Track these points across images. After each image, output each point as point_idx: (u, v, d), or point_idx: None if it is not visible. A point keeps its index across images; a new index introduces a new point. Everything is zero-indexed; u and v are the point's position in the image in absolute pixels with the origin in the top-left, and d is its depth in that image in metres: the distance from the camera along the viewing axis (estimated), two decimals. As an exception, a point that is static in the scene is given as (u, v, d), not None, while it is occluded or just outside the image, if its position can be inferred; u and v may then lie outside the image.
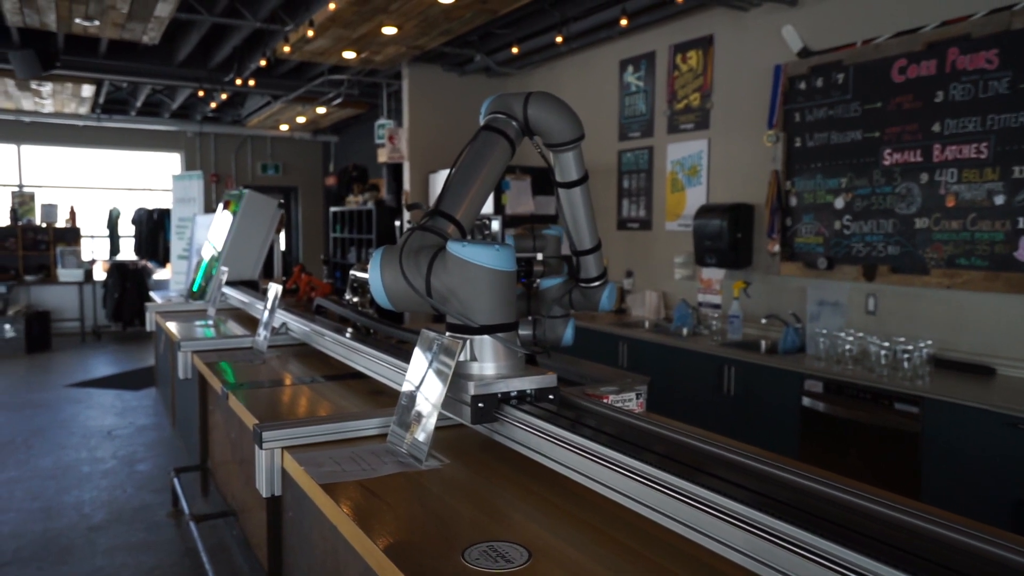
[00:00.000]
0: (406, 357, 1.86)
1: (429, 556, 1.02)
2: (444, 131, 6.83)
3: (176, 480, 3.55)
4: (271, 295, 2.59)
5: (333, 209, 9.55)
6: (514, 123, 1.56)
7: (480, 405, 1.34)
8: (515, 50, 5.74)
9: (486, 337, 1.38)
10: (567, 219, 1.68)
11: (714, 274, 4.71)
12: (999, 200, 3.30)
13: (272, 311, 2.53)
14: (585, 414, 1.37)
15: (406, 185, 6.81)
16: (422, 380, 1.48)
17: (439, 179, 6.57)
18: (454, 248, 1.34)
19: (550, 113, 1.55)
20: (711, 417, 3.95)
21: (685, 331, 4.54)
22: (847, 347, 3.57)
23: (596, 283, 1.75)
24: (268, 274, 4.46)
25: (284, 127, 10.57)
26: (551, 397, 1.41)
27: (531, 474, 1.34)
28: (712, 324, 4.59)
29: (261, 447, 1.48)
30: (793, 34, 4.21)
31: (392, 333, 2.33)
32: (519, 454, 1.35)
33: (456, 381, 1.36)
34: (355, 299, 2.69)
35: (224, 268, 3.39)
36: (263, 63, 5.95)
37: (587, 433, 1.18)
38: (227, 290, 3.74)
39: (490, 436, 1.41)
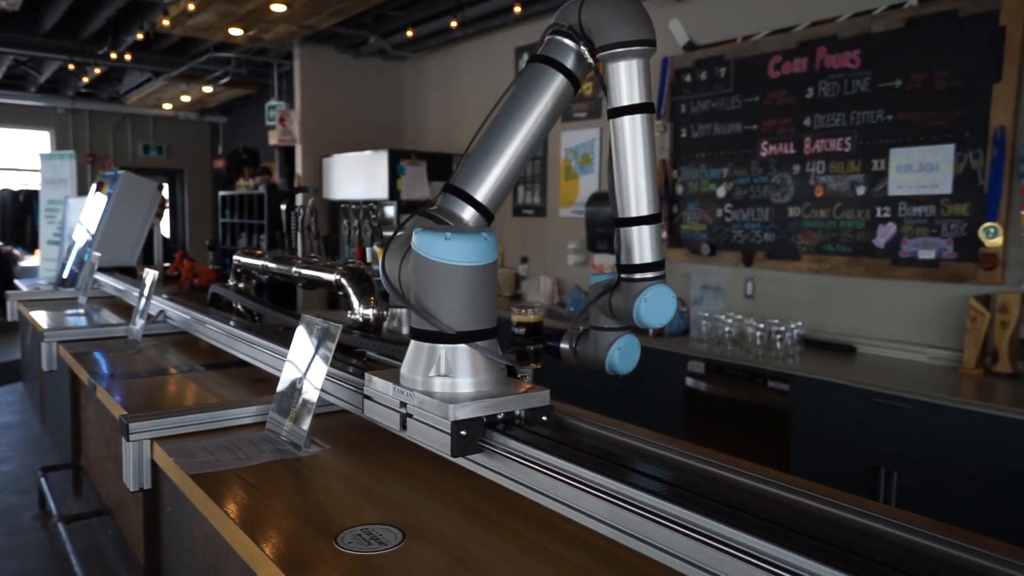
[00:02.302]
0: (281, 343, 1.82)
1: (302, 543, 1.01)
2: (338, 114, 6.68)
3: (43, 479, 3.33)
4: (147, 281, 2.47)
5: (222, 193, 9.15)
6: (573, 44, 1.18)
7: (463, 433, 1.06)
8: (410, 33, 5.67)
9: (462, 347, 1.12)
10: (617, 168, 1.17)
11: (605, 260, 4.84)
12: (861, 191, 3.55)
13: (148, 298, 2.42)
14: (591, 439, 1.18)
15: (299, 169, 6.62)
16: (302, 366, 1.45)
17: (333, 164, 6.42)
18: (413, 237, 1.13)
19: (605, 7, 1.14)
20: (600, 398, 4.07)
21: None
22: (727, 329, 3.75)
23: (649, 275, 1.17)
24: (148, 260, 4.24)
25: (167, 106, 10.02)
26: (544, 419, 1.15)
27: (411, 456, 1.34)
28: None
29: (128, 439, 1.41)
30: (679, 28, 4.36)
31: (284, 320, 2.26)
32: (404, 439, 1.35)
33: (423, 402, 1.11)
34: (240, 285, 2.61)
35: (97, 254, 3.20)
36: (140, 37, 5.61)
37: (593, 464, 0.96)
38: (101, 277, 3.53)
39: (470, 468, 1.14)
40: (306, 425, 1.37)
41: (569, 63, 1.18)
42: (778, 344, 3.50)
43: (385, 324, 2.46)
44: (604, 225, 4.62)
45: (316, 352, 1.43)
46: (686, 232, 4.38)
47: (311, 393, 1.40)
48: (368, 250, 2.15)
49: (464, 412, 1.07)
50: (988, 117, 3.11)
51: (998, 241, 3.06)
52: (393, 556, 0.97)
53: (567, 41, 1.18)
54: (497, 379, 1.16)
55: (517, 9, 4.72)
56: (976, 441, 2.62)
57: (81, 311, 3.19)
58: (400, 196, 5.69)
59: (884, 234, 3.46)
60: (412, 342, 1.16)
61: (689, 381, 3.65)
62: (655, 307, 1.16)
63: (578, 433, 1.20)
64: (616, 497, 0.89)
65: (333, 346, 1.39)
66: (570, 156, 5.20)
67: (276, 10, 5.11)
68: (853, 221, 3.58)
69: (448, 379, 1.12)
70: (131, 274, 3.80)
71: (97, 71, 7.49)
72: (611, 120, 1.17)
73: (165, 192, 10.58)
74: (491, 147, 1.19)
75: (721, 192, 4.18)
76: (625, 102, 1.15)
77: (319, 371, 1.40)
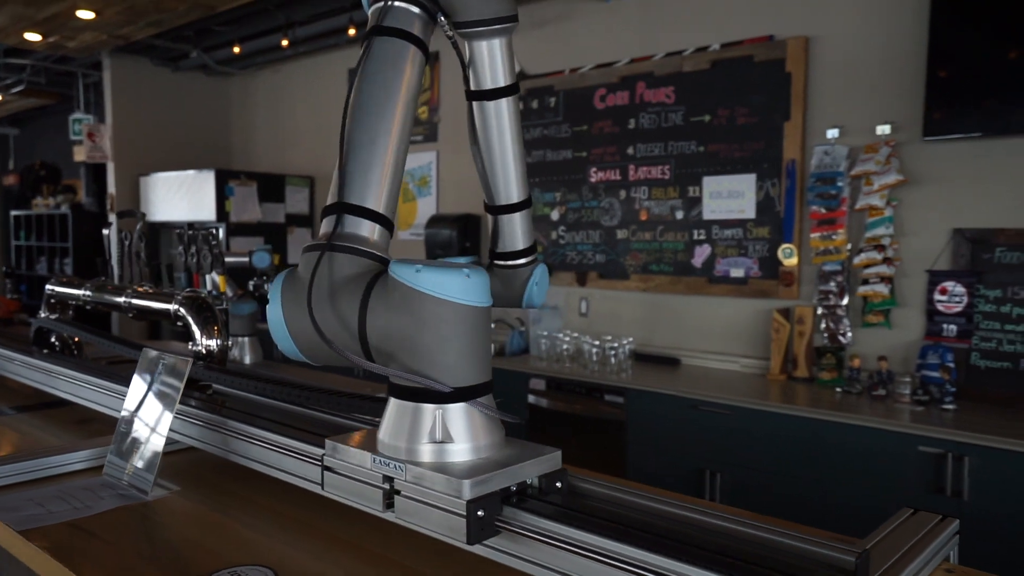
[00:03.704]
0: (121, 379, 1.69)
1: (162, 591, 0.95)
2: (156, 130, 6.25)
3: None
4: (-63, 316, 2.18)
5: (15, 213, 8.23)
6: (415, 8, 1.02)
7: (480, 513, 0.87)
8: (237, 50, 5.44)
9: (460, 406, 0.93)
10: (482, 155, 1.13)
11: (446, 282, 4.89)
12: (679, 215, 3.88)
13: (-60, 335, 2.13)
14: (609, 505, 1.01)
15: (111, 188, 6.10)
16: (145, 403, 1.36)
17: (152, 183, 5.99)
18: (405, 274, 0.90)
19: None
20: (446, 420, 4.10)
21: (420, 338, 4.65)
22: (565, 347, 3.94)
23: (522, 261, 1.17)
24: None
25: (-56, 114, 8.85)
26: (559, 485, 0.98)
27: (274, 495, 1.30)
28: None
29: (-66, 497, 1.25)
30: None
31: (129, 354, 2.06)
32: (259, 474, 1.30)
33: (420, 476, 0.91)
34: (53, 316, 2.37)
35: None
36: (-86, 37, 4.94)
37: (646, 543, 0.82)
38: None
39: (481, 555, 0.95)
40: (153, 467, 1.29)
41: (416, 31, 1.01)
42: (612, 359, 3.72)
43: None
44: (443, 247, 4.68)
45: (163, 388, 1.35)
46: (523, 254, 4.54)
47: (152, 433, 1.31)
48: (208, 278, 2.04)
49: (481, 487, 0.87)
50: (781, 151, 3.53)
51: (793, 260, 3.47)
52: (267, 596, 0.94)
53: (413, 8, 1.01)
54: (498, 442, 0.97)
55: (351, 32, 4.69)
56: (782, 439, 2.94)
57: None
58: (229, 218, 5.42)
59: (701, 255, 3.80)
60: (393, 402, 0.96)
61: (531, 398, 3.78)
62: (543, 288, 1.20)
63: (593, 499, 1.03)
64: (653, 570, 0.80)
65: (183, 381, 1.32)
66: (408, 179, 5.23)
67: (83, 17, 4.70)
68: (674, 243, 3.90)
69: (444, 446, 0.92)
70: (-92, 307, 3.32)
71: None
72: (472, 102, 1.09)
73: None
74: (369, 145, 0.99)
75: (555, 215, 4.39)
76: (488, 86, 1.08)
77: (167, 409, 1.32)
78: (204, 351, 1.85)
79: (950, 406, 2.83)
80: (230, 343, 2.29)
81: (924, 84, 3.07)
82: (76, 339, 2.38)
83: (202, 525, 1.19)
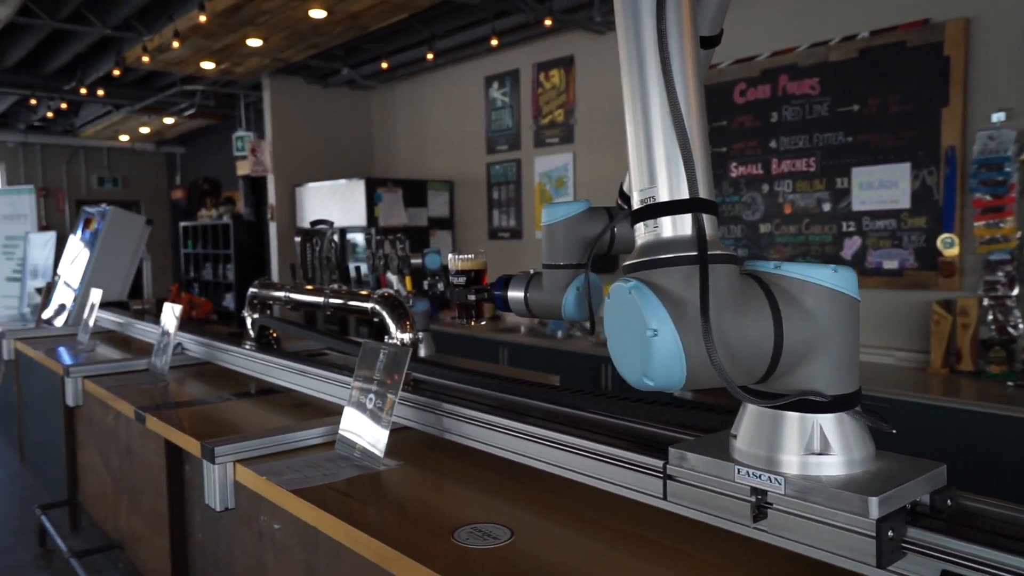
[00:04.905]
0: (331, 369, 1.93)
1: (423, 540, 1.13)
2: (308, 144, 6.76)
3: (44, 517, 3.31)
4: (169, 315, 2.54)
5: (183, 224, 9.10)
6: None
7: (891, 534, 0.80)
8: (384, 65, 5.81)
9: (837, 415, 0.87)
10: None
11: (584, 279, 5.01)
12: (826, 207, 3.81)
13: (172, 332, 2.48)
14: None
15: (271, 199, 6.65)
16: (368, 388, 1.56)
17: (306, 192, 6.48)
18: (823, 276, 0.84)
19: None
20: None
21: (560, 333, 4.80)
22: (708, 341, 3.96)
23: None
24: (136, 294, 4.25)
25: (124, 138, 9.91)
26: (948, 503, 0.88)
27: (491, 468, 1.45)
28: (585, 325, 4.89)
29: (213, 462, 1.50)
30: (647, 58, 4.60)
31: (336, 345, 2.31)
32: (469, 449, 1.47)
33: (807, 491, 0.83)
34: (255, 316, 2.69)
35: (98, 291, 3.24)
36: (117, 72, 5.61)
37: None
38: (100, 312, 3.55)
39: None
40: (382, 443, 1.48)
41: None
42: (759, 353, 3.71)
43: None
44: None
45: (385, 375, 1.55)
46: (662, 250, 4.59)
47: (386, 415, 1.51)
48: (395, 278, 2.26)
49: (888, 505, 0.80)
50: (939, 138, 3.40)
51: (955, 251, 3.34)
52: (511, 548, 1.09)
53: None
54: (871, 454, 0.90)
55: (494, 42, 4.90)
56: (950, 434, 2.86)
57: (88, 347, 3.20)
58: (377, 223, 5.79)
59: (850, 247, 3.72)
60: (752, 408, 0.90)
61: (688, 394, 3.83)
62: None
63: (984, 518, 0.90)
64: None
65: (405, 368, 1.51)
66: (544, 180, 5.39)
67: (252, 45, 5.19)
68: (821, 235, 3.84)
69: (819, 458, 0.85)
70: (124, 308, 3.82)
71: (64, 106, 7.41)
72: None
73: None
74: (700, 121, 0.88)
75: (694, 211, 4.41)
76: (705, 32, 1.04)
77: (392, 393, 1.51)
78: (400, 344, 2.07)
79: None
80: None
81: (1104, 60, 2.89)
82: (275, 334, 2.69)
83: (433, 491, 1.36)
